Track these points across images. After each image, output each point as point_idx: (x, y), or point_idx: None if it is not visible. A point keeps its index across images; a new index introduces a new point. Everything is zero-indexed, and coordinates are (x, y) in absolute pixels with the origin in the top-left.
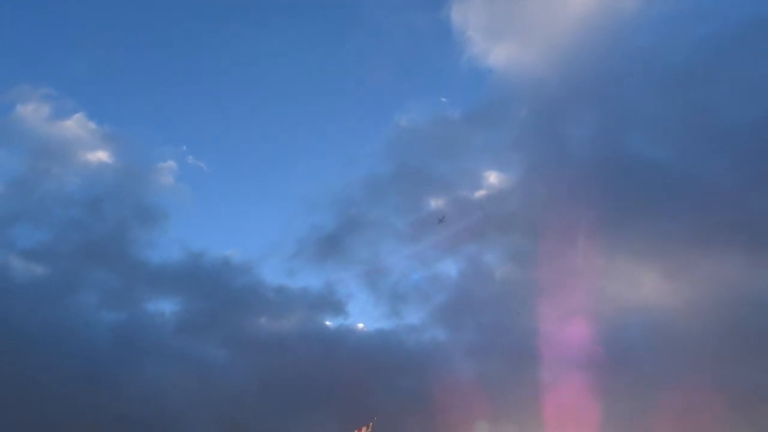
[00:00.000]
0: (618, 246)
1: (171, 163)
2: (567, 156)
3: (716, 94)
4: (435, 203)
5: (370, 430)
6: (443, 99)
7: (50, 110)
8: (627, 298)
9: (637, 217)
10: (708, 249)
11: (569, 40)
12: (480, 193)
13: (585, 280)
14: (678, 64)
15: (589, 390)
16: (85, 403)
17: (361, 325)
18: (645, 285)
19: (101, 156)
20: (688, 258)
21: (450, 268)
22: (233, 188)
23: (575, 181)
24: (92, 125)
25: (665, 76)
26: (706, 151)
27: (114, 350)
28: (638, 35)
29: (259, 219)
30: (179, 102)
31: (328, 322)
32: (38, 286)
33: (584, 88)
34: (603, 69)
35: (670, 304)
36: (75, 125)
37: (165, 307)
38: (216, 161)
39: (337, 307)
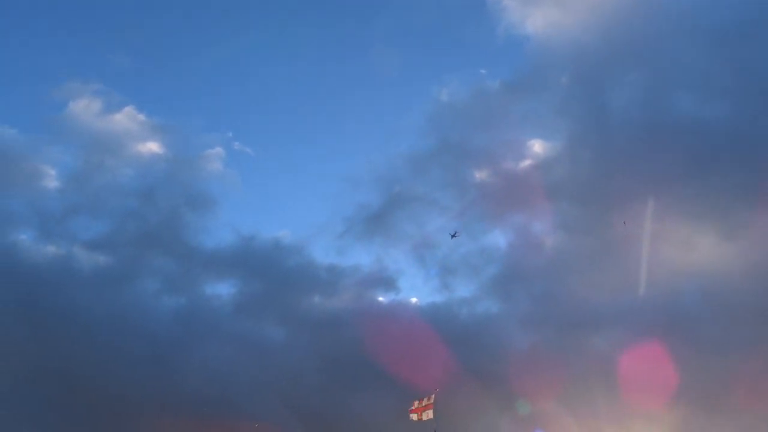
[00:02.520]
0: (671, 209)
1: (218, 150)
2: (613, 120)
3: (764, 49)
4: (479, 175)
5: (432, 401)
6: (482, 70)
7: (101, 105)
8: (683, 262)
9: (689, 178)
10: (764, 207)
11: (609, 0)
12: (525, 163)
13: (638, 245)
14: (724, 21)
15: (651, 358)
16: (150, 384)
17: (414, 300)
18: (701, 248)
19: (152, 147)
20: (744, 218)
21: (498, 239)
22: (279, 171)
23: (623, 145)
24: (142, 117)
25: (711, 34)
26: (757, 108)
27: (175, 333)
28: None
29: (305, 200)
30: (223, 90)
31: (380, 298)
32: (101, 275)
33: (627, 49)
34: (646, 29)
35: (729, 266)
36: (125, 118)
37: (221, 289)
38: (261, 146)
39: (388, 282)
